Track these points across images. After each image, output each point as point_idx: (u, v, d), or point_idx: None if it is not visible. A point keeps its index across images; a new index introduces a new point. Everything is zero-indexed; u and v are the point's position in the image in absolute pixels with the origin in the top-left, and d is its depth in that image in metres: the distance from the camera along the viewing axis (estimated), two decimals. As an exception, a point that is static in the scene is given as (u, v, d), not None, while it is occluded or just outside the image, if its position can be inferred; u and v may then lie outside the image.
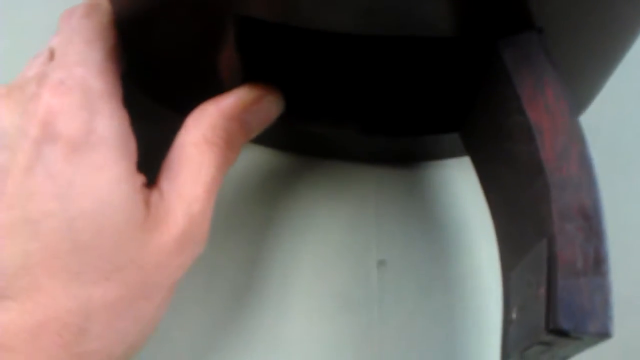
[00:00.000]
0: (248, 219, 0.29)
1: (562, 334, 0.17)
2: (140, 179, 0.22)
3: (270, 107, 0.25)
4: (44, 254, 0.20)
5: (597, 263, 0.18)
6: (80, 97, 0.21)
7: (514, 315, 0.20)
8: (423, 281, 0.28)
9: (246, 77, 0.25)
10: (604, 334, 0.17)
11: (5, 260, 0.20)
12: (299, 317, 0.27)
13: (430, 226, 0.29)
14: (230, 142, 0.23)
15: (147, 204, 0.22)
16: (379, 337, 0.27)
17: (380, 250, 0.28)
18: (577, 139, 0.19)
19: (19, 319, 0.19)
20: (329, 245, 0.29)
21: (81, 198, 0.20)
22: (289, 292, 0.28)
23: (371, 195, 0.30)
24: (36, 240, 0.20)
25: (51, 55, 0.25)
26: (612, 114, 0.32)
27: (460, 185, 0.30)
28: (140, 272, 0.21)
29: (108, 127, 0.21)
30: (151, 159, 0.23)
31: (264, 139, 0.26)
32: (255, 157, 0.30)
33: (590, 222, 0.18)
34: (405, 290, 0.28)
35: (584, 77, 0.26)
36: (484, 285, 0.27)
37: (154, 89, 0.29)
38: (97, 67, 0.23)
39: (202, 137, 0.23)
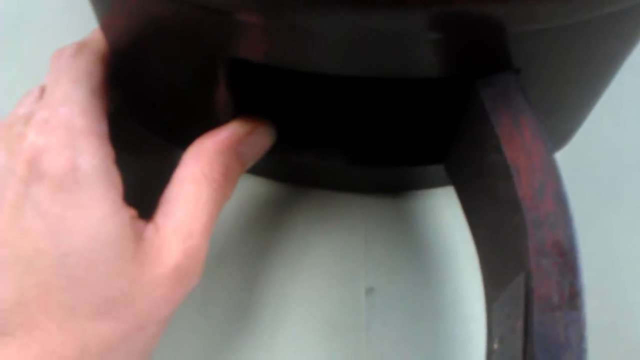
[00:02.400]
0: (240, 246, 0.30)
1: (539, 366, 0.18)
2: (129, 212, 0.22)
3: (263, 138, 0.26)
4: (38, 290, 0.20)
5: (572, 297, 0.19)
6: (64, 135, 0.22)
7: (495, 346, 0.21)
8: (410, 308, 0.28)
9: (239, 110, 0.25)
10: (578, 367, 0.18)
11: (1, 297, 0.20)
12: (289, 342, 0.28)
13: (418, 254, 0.30)
14: (227, 175, 0.24)
15: (139, 237, 0.22)
16: (367, 363, 0.27)
17: (369, 278, 0.29)
18: (553, 177, 0.20)
19: (17, 354, 0.20)
20: (319, 272, 0.29)
21: (71, 235, 0.21)
22: (279, 317, 0.28)
23: (360, 224, 0.30)
24: (30, 276, 0.20)
25: (41, 94, 0.26)
26: (595, 145, 0.32)
27: (446, 214, 0.30)
28: (134, 305, 0.21)
29: (91, 164, 0.22)
30: (147, 190, 0.23)
31: (257, 169, 0.27)
32: (248, 186, 0.31)
33: (566, 257, 0.19)
34: (392, 317, 0.28)
35: (563, 114, 0.26)
36: (470, 312, 0.28)
37: (149, 121, 0.29)
38: (82, 105, 0.23)
39: (200, 173, 0.23)
